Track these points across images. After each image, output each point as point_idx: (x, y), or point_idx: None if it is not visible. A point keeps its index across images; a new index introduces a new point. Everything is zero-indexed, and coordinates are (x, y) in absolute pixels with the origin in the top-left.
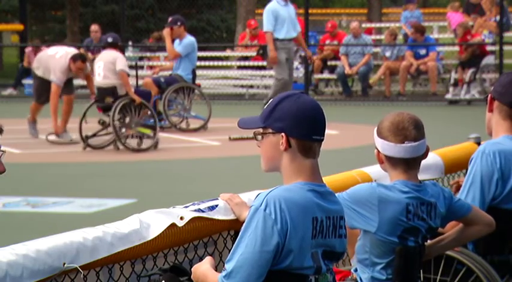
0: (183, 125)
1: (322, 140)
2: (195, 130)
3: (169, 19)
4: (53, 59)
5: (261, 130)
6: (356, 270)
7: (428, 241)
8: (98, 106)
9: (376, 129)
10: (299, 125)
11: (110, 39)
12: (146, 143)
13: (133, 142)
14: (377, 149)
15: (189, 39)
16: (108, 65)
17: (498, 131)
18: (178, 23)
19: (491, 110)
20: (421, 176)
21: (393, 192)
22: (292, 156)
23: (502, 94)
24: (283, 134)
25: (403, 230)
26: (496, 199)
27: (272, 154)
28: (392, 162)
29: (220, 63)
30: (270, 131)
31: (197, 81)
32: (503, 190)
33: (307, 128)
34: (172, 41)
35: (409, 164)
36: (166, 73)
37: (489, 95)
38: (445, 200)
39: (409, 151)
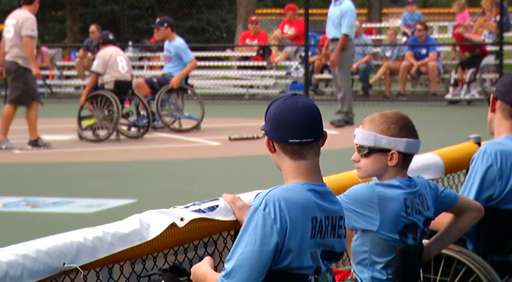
0: (176, 125)
1: (305, 142)
2: (188, 130)
3: (157, 20)
4: None
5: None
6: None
7: (426, 241)
8: (128, 99)
9: (381, 131)
10: (276, 129)
11: (111, 36)
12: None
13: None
14: (394, 150)
15: (179, 41)
16: (127, 61)
17: (500, 130)
18: (165, 25)
19: (493, 110)
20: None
21: (391, 189)
22: (280, 158)
23: (505, 94)
24: (266, 137)
25: (403, 226)
26: (496, 199)
27: (271, 154)
28: (405, 160)
29: (220, 63)
30: (263, 132)
31: (197, 82)
32: (503, 190)
33: (283, 132)
34: (161, 41)
35: (409, 161)
36: (159, 73)
37: (491, 95)
38: (431, 191)
39: (419, 147)
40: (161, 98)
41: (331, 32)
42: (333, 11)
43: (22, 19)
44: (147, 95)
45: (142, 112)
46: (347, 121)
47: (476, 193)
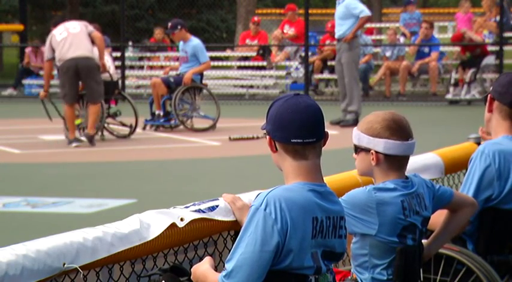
0: (188, 124)
1: (307, 142)
2: (205, 130)
3: (169, 25)
4: None
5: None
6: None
7: (425, 241)
8: (114, 99)
9: (365, 130)
10: (278, 129)
11: None
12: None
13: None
14: (373, 150)
15: (196, 41)
16: (113, 61)
17: (498, 131)
18: (179, 27)
19: (490, 110)
20: (421, 176)
21: (388, 192)
22: (282, 157)
23: (502, 94)
24: (268, 136)
25: (402, 228)
26: (495, 199)
27: (272, 154)
28: (390, 161)
29: (220, 63)
30: (265, 132)
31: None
32: (502, 190)
33: (285, 131)
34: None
35: (404, 163)
36: (174, 73)
37: (488, 95)
38: (429, 190)
39: (411, 148)
40: (178, 98)
41: (337, 31)
42: (338, 9)
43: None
44: (164, 94)
45: (158, 111)
46: (356, 120)
47: (474, 193)
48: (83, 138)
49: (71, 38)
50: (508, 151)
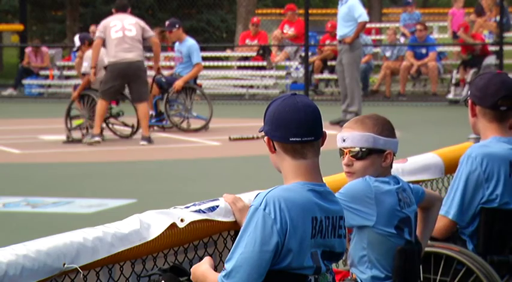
0: (184, 125)
1: (306, 141)
2: (196, 130)
3: (167, 23)
4: None
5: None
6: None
7: None
8: (115, 99)
9: (378, 132)
10: (276, 129)
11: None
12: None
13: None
14: (390, 151)
15: (191, 42)
16: None
17: (487, 133)
18: (177, 26)
19: (474, 115)
20: (421, 176)
21: (385, 184)
22: (281, 157)
23: (481, 98)
24: (266, 137)
25: (399, 220)
26: (494, 200)
27: (270, 155)
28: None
29: (220, 63)
30: (263, 133)
31: (198, 82)
32: (493, 191)
33: (283, 131)
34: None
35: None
36: (167, 73)
37: (469, 100)
38: (409, 187)
39: None
40: (170, 98)
41: (339, 31)
42: (341, 10)
43: (142, 22)
44: (156, 94)
45: (151, 112)
46: None
47: (460, 196)
48: (98, 139)
49: (126, 40)
50: (495, 153)
